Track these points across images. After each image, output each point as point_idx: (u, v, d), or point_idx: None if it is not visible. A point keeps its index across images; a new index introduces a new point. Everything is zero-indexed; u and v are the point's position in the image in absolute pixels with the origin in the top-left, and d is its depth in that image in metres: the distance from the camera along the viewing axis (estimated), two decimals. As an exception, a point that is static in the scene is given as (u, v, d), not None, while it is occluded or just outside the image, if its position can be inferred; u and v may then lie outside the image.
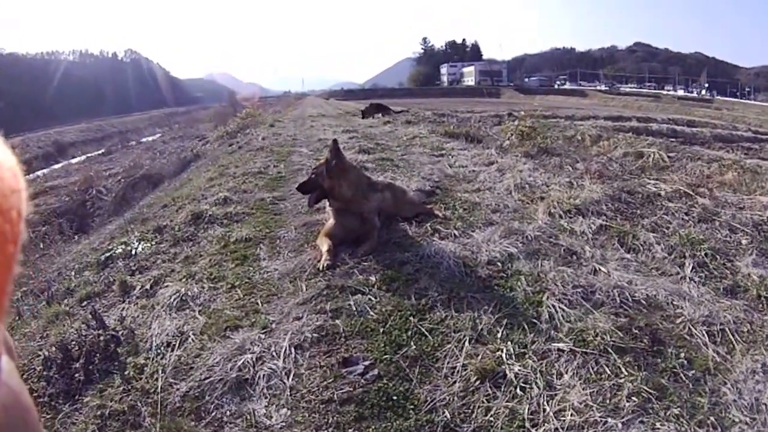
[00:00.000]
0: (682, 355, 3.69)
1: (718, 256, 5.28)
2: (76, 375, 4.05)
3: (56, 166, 44.14)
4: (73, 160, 47.15)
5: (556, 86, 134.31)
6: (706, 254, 5.31)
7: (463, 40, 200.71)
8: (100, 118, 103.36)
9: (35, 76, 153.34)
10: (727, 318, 4.11)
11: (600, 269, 5.05)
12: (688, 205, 6.85)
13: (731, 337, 3.91)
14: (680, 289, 4.67)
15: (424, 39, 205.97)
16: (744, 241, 5.79)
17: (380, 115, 25.72)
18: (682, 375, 3.49)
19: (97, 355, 4.21)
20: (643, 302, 4.39)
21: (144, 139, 52.06)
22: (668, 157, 13.49)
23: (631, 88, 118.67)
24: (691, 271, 5.08)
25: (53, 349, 4.31)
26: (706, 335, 3.92)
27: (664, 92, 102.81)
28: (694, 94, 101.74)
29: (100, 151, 50.05)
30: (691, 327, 4.02)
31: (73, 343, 4.34)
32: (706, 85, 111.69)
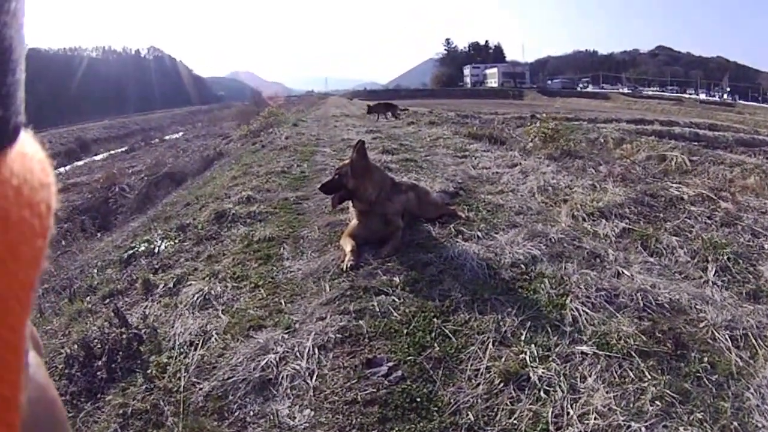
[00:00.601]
0: (705, 359, 3.63)
1: (740, 261, 5.22)
2: (99, 373, 4.07)
3: (79, 163, 44.25)
4: (96, 157, 47.29)
5: (578, 89, 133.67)
6: (728, 258, 5.25)
7: (486, 41, 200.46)
8: (123, 115, 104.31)
9: (57, 72, 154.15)
10: (750, 323, 4.05)
11: (623, 272, 5.00)
12: (710, 209, 6.81)
13: (754, 341, 3.85)
14: (703, 293, 4.61)
15: (447, 40, 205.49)
16: (767, 246, 5.71)
17: (389, 114, 26.01)
18: (705, 379, 3.44)
19: (120, 353, 4.22)
20: (667, 306, 4.33)
21: (167, 137, 52.12)
22: (691, 160, 13.45)
23: (653, 91, 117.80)
24: (714, 275, 5.03)
25: (75, 346, 4.33)
26: (729, 340, 3.85)
27: (686, 96, 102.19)
28: (716, 98, 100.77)
29: (123, 149, 50.10)
30: (714, 331, 3.95)
31: (96, 341, 4.36)
32: (728, 89, 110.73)
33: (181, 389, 3.75)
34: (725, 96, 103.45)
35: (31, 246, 0.47)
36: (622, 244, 5.95)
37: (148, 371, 4.03)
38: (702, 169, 12.48)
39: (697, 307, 4.32)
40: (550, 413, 3.16)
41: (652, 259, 5.50)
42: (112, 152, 49.09)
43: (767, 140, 35.89)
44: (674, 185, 7.86)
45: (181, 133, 53.90)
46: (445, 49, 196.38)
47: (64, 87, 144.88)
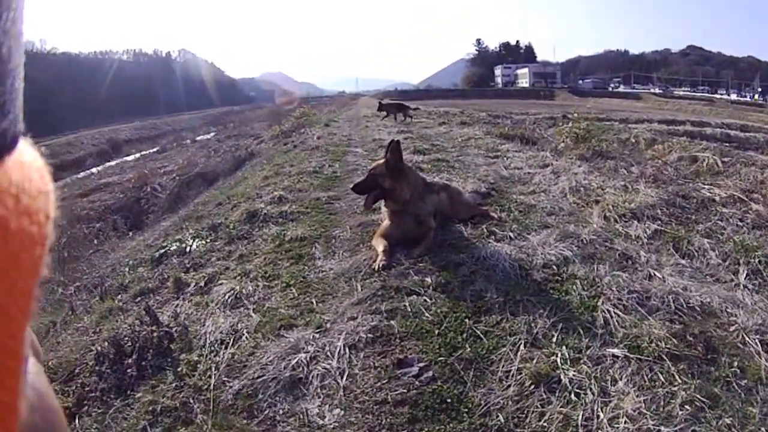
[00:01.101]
0: (735, 363, 3.60)
1: None
2: (129, 370, 4.10)
3: (111, 164, 44.68)
4: (128, 158, 47.67)
5: (610, 89, 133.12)
6: (759, 261, 5.19)
7: (517, 41, 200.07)
8: (154, 116, 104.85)
9: (89, 75, 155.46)
10: None
11: (655, 274, 4.96)
12: (742, 210, 6.78)
13: None
14: (734, 297, 4.57)
15: (478, 40, 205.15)
16: None
17: (400, 114, 25.38)
18: (734, 384, 3.41)
19: (150, 351, 4.26)
20: (698, 309, 4.30)
21: (198, 138, 52.34)
22: (722, 161, 13.34)
23: (684, 91, 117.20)
24: (745, 278, 4.99)
25: (106, 344, 4.37)
26: (759, 344, 3.81)
27: (717, 96, 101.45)
28: (747, 99, 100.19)
29: (154, 149, 50.45)
30: (744, 335, 3.91)
31: (126, 338, 4.40)
32: (759, 89, 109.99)
33: (211, 387, 3.77)
34: (756, 96, 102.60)
35: (30, 254, 0.48)
36: (653, 245, 5.89)
37: (179, 369, 4.05)
38: (733, 171, 12.39)
39: (728, 310, 4.28)
40: (580, 416, 3.15)
41: (683, 262, 5.44)
42: (144, 153, 49.51)
43: (799, 142, 35.66)
44: (706, 186, 7.83)
45: (212, 134, 54.19)
46: (476, 50, 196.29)
47: (95, 89, 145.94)
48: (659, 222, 6.46)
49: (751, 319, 4.08)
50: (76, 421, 3.76)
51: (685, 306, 4.31)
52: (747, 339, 3.85)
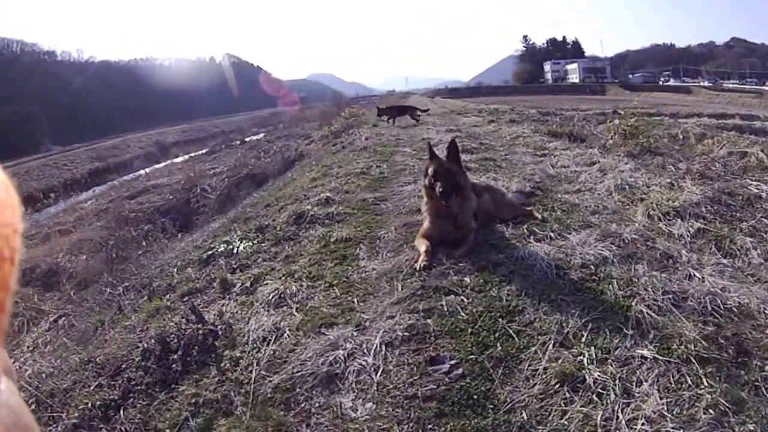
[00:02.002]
0: (767, 368, 3.50)
1: None
2: (174, 366, 4.27)
3: (158, 166, 45.08)
4: (176, 160, 48.16)
5: (660, 83, 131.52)
6: None
7: (564, 37, 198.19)
8: (201, 119, 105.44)
9: (130, 81, 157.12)
10: None
11: (695, 275, 4.88)
12: None
13: None
14: None
15: (525, 37, 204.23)
16: None
17: (408, 116, 24.59)
18: (763, 389, 3.31)
19: (195, 347, 4.42)
20: (735, 310, 4.18)
21: (248, 139, 52.49)
22: None
23: (733, 84, 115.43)
24: None
25: (152, 341, 4.55)
26: None
27: (766, 88, 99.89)
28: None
29: (203, 151, 50.79)
30: None
31: (172, 335, 4.57)
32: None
33: (252, 381, 3.90)
34: None
35: None
36: (696, 244, 5.82)
37: (222, 364, 4.20)
38: None
39: (766, 311, 4.17)
40: (599, 416, 3.17)
41: (725, 261, 5.34)
42: (192, 154, 49.62)
43: None
44: (754, 183, 7.67)
45: (262, 135, 54.39)
46: (524, 46, 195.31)
47: (136, 95, 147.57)
48: (703, 220, 6.38)
49: None
50: (121, 412, 3.92)
51: (721, 307, 4.22)
52: None
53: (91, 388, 4.27)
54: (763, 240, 5.73)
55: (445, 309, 4.50)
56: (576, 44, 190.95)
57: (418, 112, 25.14)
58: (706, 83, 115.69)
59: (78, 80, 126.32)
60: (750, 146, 13.72)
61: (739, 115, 38.06)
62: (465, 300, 4.63)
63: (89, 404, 4.05)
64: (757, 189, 7.29)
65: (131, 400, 4.07)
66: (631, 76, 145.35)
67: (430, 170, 5.98)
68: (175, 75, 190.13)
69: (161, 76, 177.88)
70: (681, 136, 17.17)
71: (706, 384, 3.35)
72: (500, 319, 4.27)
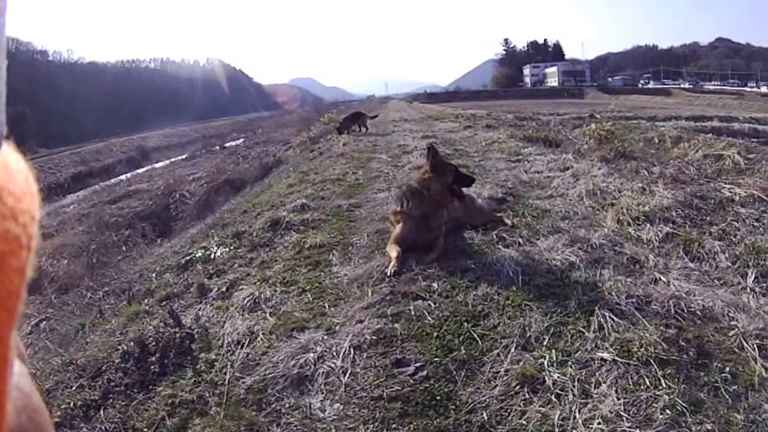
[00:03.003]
0: (727, 369, 3.60)
1: None
2: (152, 367, 4.35)
3: (139, 171, 44.87)
4: (157, 165, 48.00)
5: (640, 85, 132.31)
6: None
7: (545, 40, 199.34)
8: (183, 123, 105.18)
9: (117, 83, 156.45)
10: None
11: (660, 278, 5.00)
12: (760, 211, 6.72)
13: None
14: (738, 301, 4.57)
15: (506, 40, 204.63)
16: None
17: (357, 126, 24.39)
18: (723, 389, 3.41)
19: (172, 350, 4.49)
20: (699, 313, 4.32)
21: (227, 144, 52.21)
22: (748, 158, 13.09)
23: (714, 85, 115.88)
24: (753, 281, 4.94)
25: (131, 344, 4.61)
26: (757, 349, 3.79)
27: (747, 89, 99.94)
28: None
29: (183, 156, 50.49)
30: (743, 340, 3.90)
31: (151, 339, 4.64)
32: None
33: (226, 383, 4.00)
34: None
35: (16, 256, 0.49)
36: (664, 249, 5.93)
37: (197, 366, 4.30)
38: (758, 168, 12.24)
39: (730, 314, 4.27)
40: (557, 416, 3.26)
41: (692, 265, 5.46)
42: (173, 160, 49.49)
43: (830, 133, 34.87)
44: (726, 186, 7.79)
45: (241, 140, 54.16)
46: (504, 50, 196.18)
47: (123, 98, 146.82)
48: (672, 224, 6.48)
49: (752, 324, 4.10)
50: (101, 412, 3.99)
51: (685, 310, 4.33)
52: (745, 344, 3.86)
53: (73, 389, 4.32)
54: (732, 243, 5.84)
55: (413, 313, 4.61)
56: (557, 47, 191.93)
57: (368, 120, 25.29)
58: (687, 85, 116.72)
59: (67, 82, 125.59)
60: (726, 148, 13.77)
61: (718, 117, 38.05)
62: (432, 305, 4.73)
63: (71, 404, 4.10)
64: (730, 192, 7.41)
65: (111, 400, 4.14)
66: (610, 79, 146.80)
67: (450, 168, 6.32)
68: (160, 78, 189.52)
69: (147, 79, 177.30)
70: (657, 140, 17.21)
71: (664, 385, 3.44)
72: (465, 324, 4.38)
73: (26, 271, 0.50)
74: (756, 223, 6.36)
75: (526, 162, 11.78)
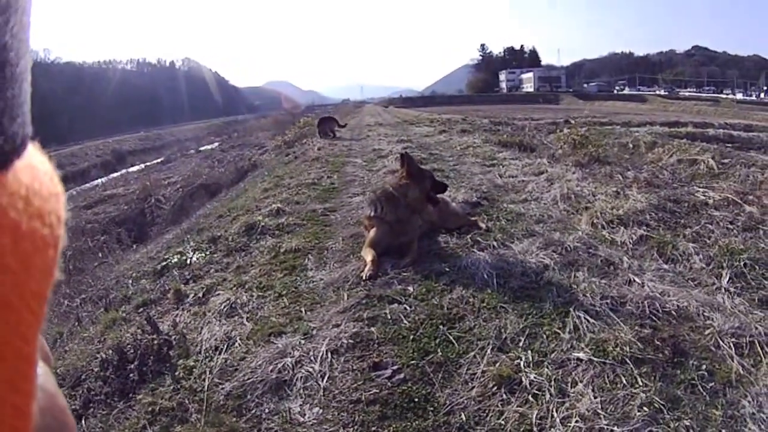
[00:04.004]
0: (704, 366, 3.66)
1: (757, 266, 5.25)
2: (131, 375, 4.34)
3: (115, 175, 44.49)
4: (132, 169, 47.55)
5: (615, 91, 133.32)
6: (744, 264, 5.27)
7: (521, 46, 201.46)
8: (158, 126, 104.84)
9: (93, 84, 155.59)
10: (758, 330, 4.05)
11: (635, 280, 5.06)
12: (734, 213, 6.81)
13: (759, 349, 3.84)
14: (713, 300, 4.64)
15: (482, 45, 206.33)
16: None
17: (333, 128, 24.37)
18: (700, 387, 3.47)
19: (151, 357, 4.48)
20: (673, 313, 4.40)
21: (203, 148, 52.09)
22: (722, 163, 13.21)
23: (690, 92, 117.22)
24: (727, 281, 5.04)
25: (110, 351, 4.59)
26: (733, 347, 3.86)
27: (723, 96, 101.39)
28: (753, 98, 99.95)
29: (158, 160, 50.40)
30: (718, 338, 3.98)
31: (129, 346, 4.61)
32: (765, 87, 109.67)
33: (205, 389, 3.98)
34: (762, 95, 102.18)
35: (43, 256, 0.49)
36: (638, 251, 6.01)
37: (176, 373, 4.27)
38: (733, 172, 12.32)
39: (705, 314, 4.34)
40: (535, 415, 3.28)
41: (666, 266, 5.55)
42: (148, 163, 49.33)
43: (804, 140, 35.30)
44: (701, 190, 7.88)
45: (217, 144, 54.01)
46: (480, 55, 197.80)
47: (100, 99, 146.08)
48: (646, 227, 6.56)
49: (727, 322, 4.16)
50: (83, 422, 3.97)
51: (660, 310, 4.40)
52: (721, 342, 3.94)
53: None
54: (706, 245, 5.92)
55: (389, 317, 4.63)
56: (533, 53, 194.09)
57: (336, 126, 24.84)
58: (662, 92, 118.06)
59: (43, 83, 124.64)
60: (701, 153, 13.86)
61: (693, 123, 38.22)
62: (408, 308, 4.76)
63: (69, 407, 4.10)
64: (704, 196, 7.51)
65: (91, 409, 4.14)
66: (586, 85, 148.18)
67: (427, 174, 6.45)
68: (136, 79, 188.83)
69: (123, 80, 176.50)
70: (631, 145, 17.30)
71: (640, 383, 3.49)
72: (441, 326, 4.40)
73: (53, 271, 0.51)
74: (730, 226, 6.46)
75: (500, 166, 11.85)
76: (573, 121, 22.52)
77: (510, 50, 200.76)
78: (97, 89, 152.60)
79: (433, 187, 6.34)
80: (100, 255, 12.79)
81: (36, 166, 0.52)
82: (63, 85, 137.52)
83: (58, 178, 0.56)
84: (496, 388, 3.59)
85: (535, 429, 3.22)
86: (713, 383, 3.51)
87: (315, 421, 3.52)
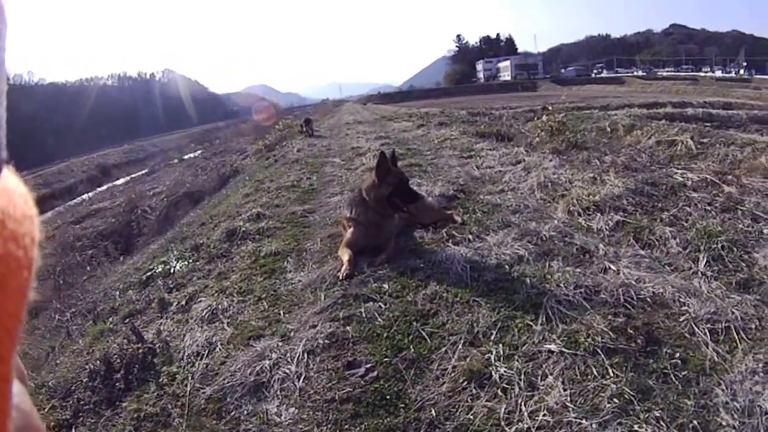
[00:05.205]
0: (677, 355, 3.66)
1: (735, 248, 5.19)
2: (117, 384, 4.46)
3: (101, 189, 44.47)
4: (118, 182, 47.70)
5: (593, 75, 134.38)
6: (722, 247, 5.22)
7: (497, 34, 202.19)
8: (141, 138, 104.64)
9: (76, 102, 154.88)
10: (734, 314, 4.03)
11: (610, 267, 5.07)
12: (712, 194, 6.75)
13: (735, 335, 3.83)
14: (689, 285, 4.62)
15: (458, 36, 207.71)
16: (766, 231, 5.62)
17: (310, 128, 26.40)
18: (672, 376, 3.46)
19: (136, 365, 4.59)
20: (649, 300, 4.39)
21: (186, 157, 51.96)
22: (700, 143, 13.12)
23: (668, 72, 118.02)
24: (704, 265, 4.99)
25: (98, 362, 4.69)
26: (708, 333, 3.85)
27: (702, 74, 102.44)
28: (732, 74, 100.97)
29: (143, 171, 50.41)
30: (693, 325, 3.96)
31: (115, 356, 4.73)
32: (744, 63, 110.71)
33: (187, 394, 4.09)
34: (742, 71, 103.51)
35: (17, 278, 0.49)
36: (614, 237, 6.01)
37: (160, 380, 4.38)
38: (712, 152, 12.31)
39: (681, 300, 4.33)
40: (503, 410, 3.32)
41: (642, 252, 5.52)
42: (133, 175, 49.42)
43: (783, 115, 35.42)
44: (679, 171, 7.84)
45: (199, 152, 53.95)
46: (457, 46, 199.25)
47: (82, 116, 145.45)
48: (623, 213, 6.54)
49: (703, 308, 4.15)
50: (73, 430, 4.10)
51: (635, 298, 4.39)
52: (696, 329, 3.92)
53: (46, 410, 4.38)
54: (684, 229, 5.88)
55: (364, 316, 4.70)
56: (509, 41, 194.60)
57: (312, 121, 27.87)
58: (641, 73, 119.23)
59: (27, 105, 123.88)
60: (680, 134, 13.95)
61: (671, 103, 38.04)
62: (383, 306, 4.83)
63: (44, 425, 4.17)
64: (682, 177, 7.47)
65: (81, 418, 4.22)
66: (563, 70, 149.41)
67: (394, 179, 6.26)
68: (118, 94, 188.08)
69: (105, 96, 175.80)
70: (609, 129, 17.36)
71: (611, 374, 3.51)
72: (415, 323, 4.47)
73: (27, 292, 0.52)
74: (708, 207, 6.41)
75: (478, 158, 11.89)
76: (550, 108, 22.54)
77: (486, 39, 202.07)
78: (80, 107, 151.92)
79: (398, 193, 6.25)
80: (88, 269, 12.90)
81: (11, 189, 0.54)
82: (47, 106, 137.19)
83: (32, 200, 0.57)
84: (466, 383, 3.64)
85: (503, 423, 3.26)
86: (686, 372, 3.51)
87: (291, 421, 3.60)
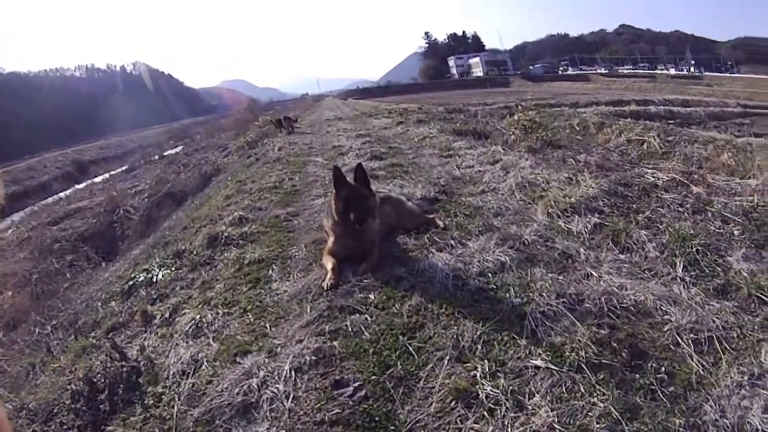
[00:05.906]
0: (663, 368, 3.64)
1: (709, 252, 5.28)
2: (102, 406, 4.36)
3: (79, 186, 43.95)
4: (96, 179, 47.15)
5: (560, 72, 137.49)
6: (697, 251, 5.29)
7: (463, 32, 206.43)
8: (118, 133, 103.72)
9: (42, 94, 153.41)
10: (715, 323, 4.04)
11: (592, 273, 5.09)
12: (682, 195, 6.89)
13: (718, 345, 3.84)
14: (670, 292, 4.65)
15: (426, 33, 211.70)
16: (736, 232, 5.76)
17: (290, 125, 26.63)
18: (659, 392, 3.42)
19: (121, 385, 4.51)
20: (631, 309, 4.41)
21: (166, 153, 51.77)
22: (667, 141, 13.38)
23: (628, 69, 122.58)
24: (682, 270, 5.04)
25: (81, 383, 4.61)
26: (692, 344, 3.86)
27: (658, 72, 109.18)
28: (685, 72, 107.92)
29: (122, 168, 50.14)
30: (677, 335, 3.97)
31: (99, 375, 4.65)
32: (693, 61, 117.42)
33: (174, 416, 3.99)
34: (692, 69, 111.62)
35: None
36: (594, 240, 6.03)
37: (145, 401, 4.29)
38: (678, 150, 12.51)
39: (662, 308, 4.37)
40: None
41: (622, 257, 5.55)
42: (113, 172, 49.10)
43: (735, 112, 37.29)
44: (649, 171, 8.00)
45: (180, 148, 53.71)
46: (426, 43, 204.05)
47: (51, 109, 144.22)
48: (600, 214, 6.60)
49: (685, 317, 4.16)
50: None
51: (618, 307, 4.40)
52: (680, 339, 3.93)
53: None
54: (659, 232, 5.98)
55: (350, 329, 4.64)
56: (476, 38, 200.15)
57: (292, 119, 28.11)
58: (603, 70, 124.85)
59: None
60: (646, 132, 14.22)
61: (635, 101, 39.78)
62: (369, 318, 4.77)
63: None
64: (653, 177, 7.64)
65: None
66: (531, 67, 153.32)
67: (342, 197, 6.03)
68: (87, 86, 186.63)
69: (74, 88, 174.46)
70: (581, 127, 17.60)
71: (598, 392, 3.46)
72: (401, 337, 4.41)
73: None
74: (680, 209, 6.58)
75: (457, 157, 12.02)
76: (524, 104, 22.74)
77: (453, 36, 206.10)
78: (47, 99, 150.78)
79: (353, 209, 5.96)
80: (68, 275, 12.71)
81: None
82: (9, 97, 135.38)
83: None
84: (453, 402, 3.56)
85: (491, 446, 3.19)
86: (673, 387, 3.49)
87: (281, 445, 3.53)
